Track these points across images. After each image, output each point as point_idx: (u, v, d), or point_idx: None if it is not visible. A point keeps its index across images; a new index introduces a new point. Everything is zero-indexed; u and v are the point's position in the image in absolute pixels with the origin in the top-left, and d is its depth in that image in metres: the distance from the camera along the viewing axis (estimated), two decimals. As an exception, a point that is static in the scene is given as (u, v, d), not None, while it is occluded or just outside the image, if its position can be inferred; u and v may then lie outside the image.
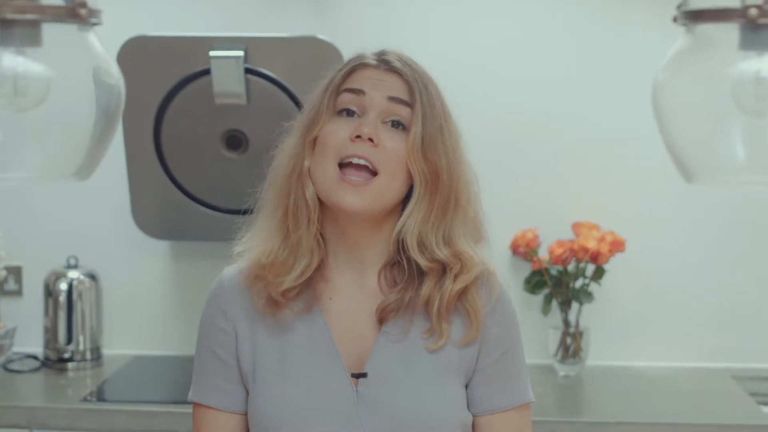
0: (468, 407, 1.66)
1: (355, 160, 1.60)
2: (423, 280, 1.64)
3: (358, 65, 1.66)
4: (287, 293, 1.65)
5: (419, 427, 1.61)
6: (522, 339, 1.72)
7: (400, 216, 1.65)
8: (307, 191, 1.63)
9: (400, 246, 1.65)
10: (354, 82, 1.64)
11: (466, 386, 1.67)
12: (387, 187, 1.61)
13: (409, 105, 1.63)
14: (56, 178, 1.55)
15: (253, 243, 1.70)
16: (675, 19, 1.47)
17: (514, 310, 1.71)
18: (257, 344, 1.67)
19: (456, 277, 1.63)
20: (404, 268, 1.65)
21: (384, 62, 1.66)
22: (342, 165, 1.61)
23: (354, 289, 1.67)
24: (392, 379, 1.63)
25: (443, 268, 1.64)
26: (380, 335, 1.65)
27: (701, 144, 1.48)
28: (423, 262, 1.63)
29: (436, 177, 1.63)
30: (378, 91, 1.63)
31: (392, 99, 1.63)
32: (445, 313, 1.63)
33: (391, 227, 1.66)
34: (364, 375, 1.63)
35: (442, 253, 1.63)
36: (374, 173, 1.61)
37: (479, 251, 1.68)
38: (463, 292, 1.64)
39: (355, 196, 1.59)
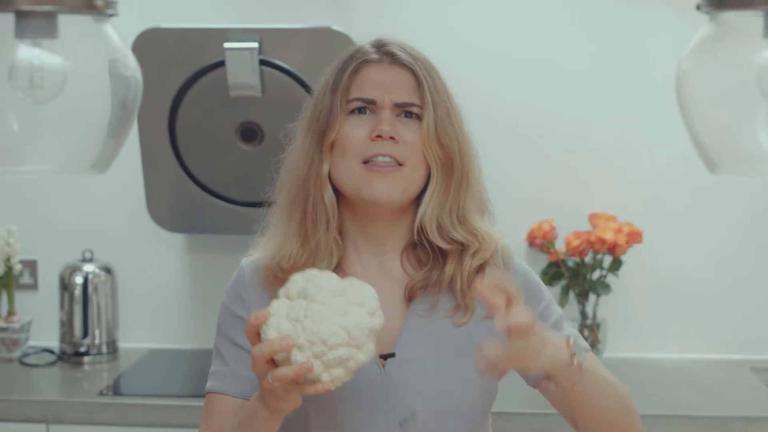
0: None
1: (380, 159, 1.62)
2: (446, 260, 1.67)
3: (362, 63, 1.66)
4: None
5: (446, 407, 1.63)
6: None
7: (417, 202, 1.67)
8: (325, 194, 1.65)
9: (420, 228, 1.68)
10: (362, 88, 1.65)
11: None
12: (413, 177, 1.64)
13: (418, 104, 1.65)
14: (74, 171, 1.54)
15: (270, 245, 1.70)
16: (698, 7, 1.46)
17: (533, 273, 1.76)
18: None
19: (474, 254, 1.67)
20: (426, 249, 1.68)
21: (387, 54, 1.66)
22: (365, 162, 1.63)
23: (377, 278, 1.67)
24: (420, 358, 1.64)
25: (462, 246, 1.67)
26: (409, 312, 1.67)
27: (725, 133, 1.46)
28: (443, 245, 1.66)
29: (450, 161, 1.66)
30: (388, 94, 1.64)
31: (400, 104, 1.64)
32: (468, 289, 1.66)
33: (410, 214, 1.69)
34: (392, 355, 1.64)
35: (459, 234, 1.66)
36: (400, 164, 1.63)
37: (490, 227, 1.71)
38: (481, 268, 1.68)
39: (386, 184, 1.62)
